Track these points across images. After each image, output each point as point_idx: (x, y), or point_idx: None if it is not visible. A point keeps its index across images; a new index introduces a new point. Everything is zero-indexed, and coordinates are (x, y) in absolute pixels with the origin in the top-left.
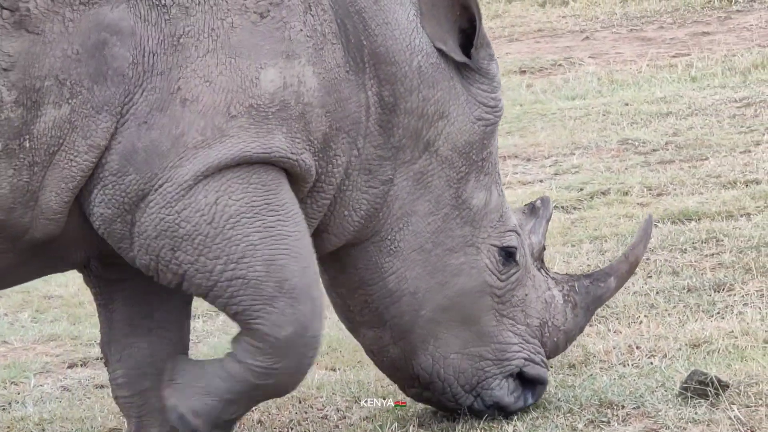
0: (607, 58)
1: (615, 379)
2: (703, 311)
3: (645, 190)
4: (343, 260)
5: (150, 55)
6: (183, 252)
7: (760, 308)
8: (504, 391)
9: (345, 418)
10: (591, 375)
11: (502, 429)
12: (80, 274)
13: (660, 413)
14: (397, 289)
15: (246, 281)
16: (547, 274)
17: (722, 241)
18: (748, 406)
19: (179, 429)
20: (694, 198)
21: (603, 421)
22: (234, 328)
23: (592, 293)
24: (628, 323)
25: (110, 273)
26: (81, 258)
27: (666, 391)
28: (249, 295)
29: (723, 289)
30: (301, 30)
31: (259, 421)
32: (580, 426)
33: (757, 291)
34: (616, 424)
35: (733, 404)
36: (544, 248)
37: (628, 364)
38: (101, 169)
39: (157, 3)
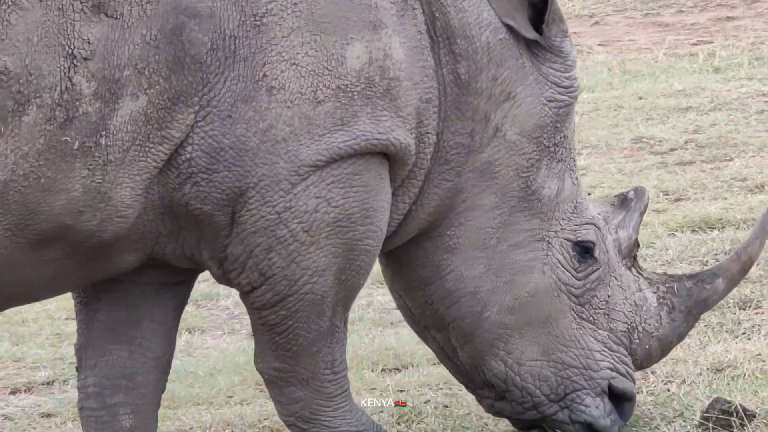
0: (620, 46)
1: None
2: (726, 331)
3: (661, 194)
4: (400, 258)
5: (231, 39)
6: (277, 254)
7: None
8: (600, 411)
9: None
10: None
11: None
12: None
13: None
14: (455, 288)
15: (316, 297)
16: (640, 273)
17: None
18: None
19: None
20: (717, 203)
21: None
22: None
23: (695, 296)
24: None
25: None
26: (134, 262)
27: (684, 421)
28: (308, 311)
29: (749, 306)
30: None
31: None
32: None
33: None
34: None
35: None
36: (637, 244)
37: (642, 391)
38: (189, 164)
39: None
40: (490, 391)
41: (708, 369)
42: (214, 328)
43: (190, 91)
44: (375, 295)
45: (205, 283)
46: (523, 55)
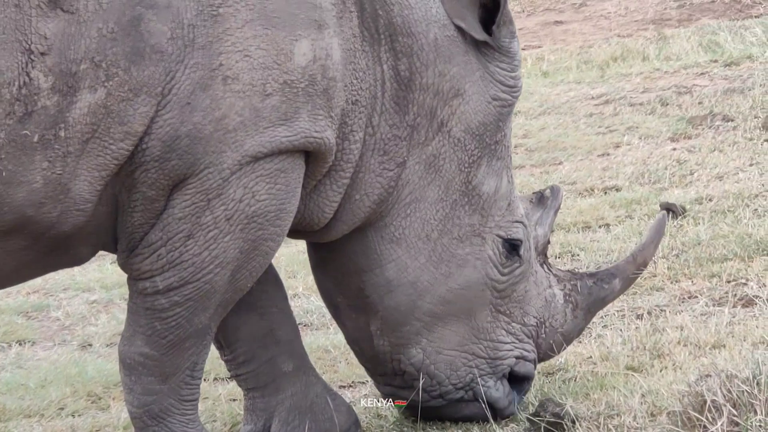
0: None
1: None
2: None
3: None
4: (338, 244)
5: (189, 28)
6: (194, 241)
7: (621, 330)
8: (500, 393)
9: None
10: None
11: None
12: None
13: None
14: (395, 278)
15: (212, 289)
16: (550, 270)
17: (578, 255)
18: None
19: None
20: None
21: None
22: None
23: (594, 294)
24: None
25: None
26: (88, 253)
27: (517, 424)
28: (199, 302)
29: None
30: None
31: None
32: None
33: (618, 311)
34: None
35: None
36: (548, 242)
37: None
38: (142, 154)
39: None
40: (395, 379)
41: (539, 372)
42: (45, 340)
43: (152, 82)
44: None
45: (35, 294)
46: (469, 51)
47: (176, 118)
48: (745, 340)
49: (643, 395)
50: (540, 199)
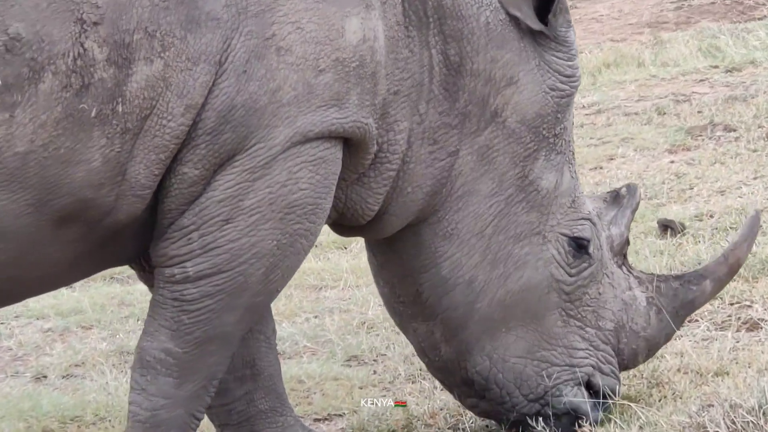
0: None
1: None
2: None
3: None
4: (393, 244)
5: None
6: (233, 226)
7: None
8: (580, 399)
9: None
10: None
11: None
12: None
13: None
14: (451, 276)
15: (245, 282)
16: (630, 271)
17: None
18: None
19: None
20: None
21: None
22: None
23: (681, 297)
24: None
25: None
26: (135, 252)
27: None
28: (231, 297)
29: None
30: None
31: None
32: None
33: None
34: None
35: None
36: (627, 242)
37: (459, 429)
38: (194, 129)
39: None
40: (470, 389)
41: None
42: None
43: (210, 50)
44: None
45: None
46: (525, 38)
47: (233, 87)
48: (750, 367)
49: (641, 427)
50: (615, 198)
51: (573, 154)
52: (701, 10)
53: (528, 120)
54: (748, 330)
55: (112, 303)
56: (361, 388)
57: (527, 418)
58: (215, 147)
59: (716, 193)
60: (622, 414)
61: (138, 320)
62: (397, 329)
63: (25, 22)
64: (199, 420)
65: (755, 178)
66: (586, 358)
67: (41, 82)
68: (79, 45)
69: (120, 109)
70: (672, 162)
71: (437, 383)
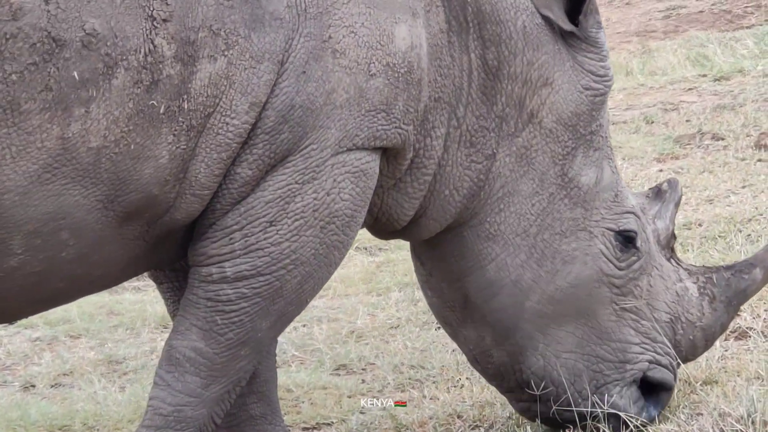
0: None
1: None
2: None
3: None
4: (439, 250)
5: None
6: (277, 230)
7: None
8: (626, 400)
9: None
10: None
11: None
12: None
13: None
14: (497, 278)
15: (281, 288)
16: (679, 264)
17: None
18: None
19: None
20: None
21: None
22: None
23: (734, 286)
24: (447, 388)
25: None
26: (179, 255)
27: None
28: (266, 301)
29: None
30: None
31: None
32: None
33: None
34: None
35: None
36: (674, 236)
37: None
38: (253, 128)
39: None
40: (523, 393)
41: (517, 413)
42: None
43: (273, 49)
44: (159, 341)
45: None
46: (558, 40)
47: (293, 87)
48: (738, 376)
49: None
50: (657, 193)
51: (611, 149)
52: (689, 19)
53: (564, 119)
54: (737, 339)
55: (100, 312)
56: (350, 397)
57: (579, 417)
58: (272, 147)
59: (705, 202)
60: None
61: (126, 329)
62: (385, 338)
63: (100, 18)
64: (217, 425)
65: (744, 187)
66: (642, 353)
67: (114, 77)
68: (150, 41)
69: (186, 106)
70: (660, 171)
71: (426, 392)
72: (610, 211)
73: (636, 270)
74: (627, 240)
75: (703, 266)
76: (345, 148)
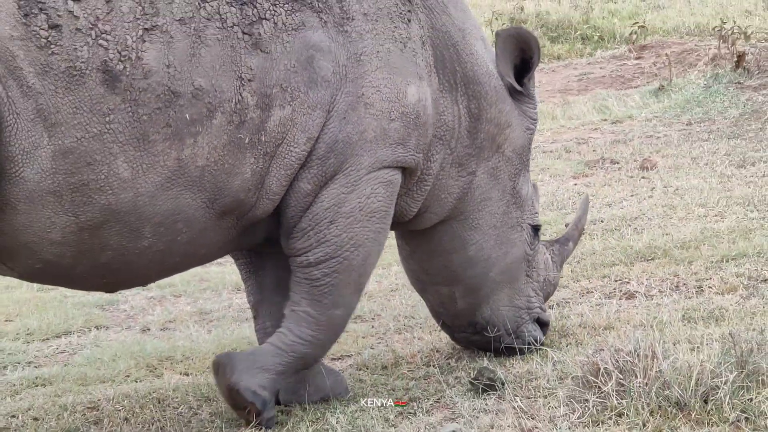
0: None
1: (420, 377)
2: None
3: None
4: (429, 234)
5: (343, 67)
6: (336, 225)
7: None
8: (538, 331)
9: (196, 414)
10: (400, 375)
11: (327, 421)
12: None
13: (457, 405)
14: (475, 255)
15: (350, 265)
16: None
17: None
18: (528, 398)
19: (256, 404)
20: None
21: (410, 413)
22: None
23: (563, 254)
24: (430, 331)
25: (266, 246)
26: (260, 239)
27: (461, 386)
28: (342, 275)
29: None
30: (422, 60)
31: (125, 419)
32: (391, 417)
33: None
34: (421, 415)
35: (517, 396)
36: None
37: (431, 365)
38: (310, 155)
39: (342, 30)
40: (469, 328)
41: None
42: (116, 326)
43: (323, 101)
44: (234, 299)
45: None
46: (513, 95)
47: (336, 127)
48: (628, 323)
49: (554, 364)
50: (534, 187)
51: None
52: (596, 81)
53: (517, 150)
54: (627, 299)
55: (194, 279)
56: (363, 338)
57: (507, 345)
58: (323, 168)
59: (605, 206)
60: (541, 356)
61: (212, 291)
62: (387, 298)
63: (205, 78)
64: (310, 366)
65: (631, 196)
66: (537, 303)
67: (214, 118)
68: (239, 94)
69: (263, 139)
70: (575, 184)
71: (416, 334)
72: (530, 211)
73: (537, 250)
74: (536, 231)
75: (548, 241)
76: (376, 168)
